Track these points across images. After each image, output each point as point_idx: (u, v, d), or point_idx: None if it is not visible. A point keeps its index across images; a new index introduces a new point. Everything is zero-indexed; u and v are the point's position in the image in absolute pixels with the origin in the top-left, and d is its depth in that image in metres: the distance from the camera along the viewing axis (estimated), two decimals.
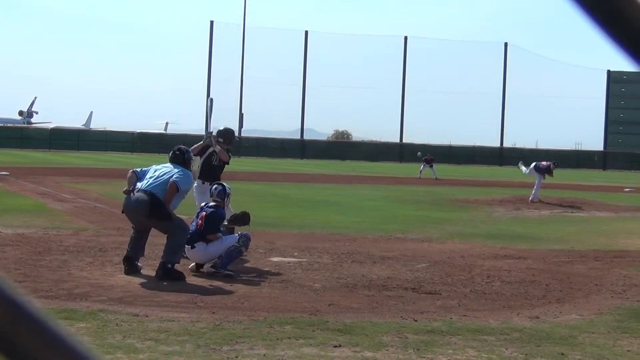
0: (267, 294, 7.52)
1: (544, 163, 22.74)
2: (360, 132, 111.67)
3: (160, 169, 8.64)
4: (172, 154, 8.94)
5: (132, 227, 8.76)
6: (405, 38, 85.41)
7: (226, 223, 9.00)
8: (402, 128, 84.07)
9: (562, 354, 5.57)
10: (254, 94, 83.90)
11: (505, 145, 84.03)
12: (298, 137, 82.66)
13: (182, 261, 8.45)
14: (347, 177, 36.08)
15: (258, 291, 7.66)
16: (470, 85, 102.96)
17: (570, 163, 69.79)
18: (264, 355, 5.27)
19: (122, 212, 8.74)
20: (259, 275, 8.54)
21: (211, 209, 8.79)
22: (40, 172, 29.31)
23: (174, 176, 8.45)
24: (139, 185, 8.47)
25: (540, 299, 7.68)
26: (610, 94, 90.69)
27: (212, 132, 10.64)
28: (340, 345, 5.55)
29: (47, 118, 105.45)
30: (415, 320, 6.45)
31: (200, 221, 8.71)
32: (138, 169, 8.82)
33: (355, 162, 67.54)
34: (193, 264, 8.70)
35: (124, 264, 8.42)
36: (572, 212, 19.42)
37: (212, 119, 11.18)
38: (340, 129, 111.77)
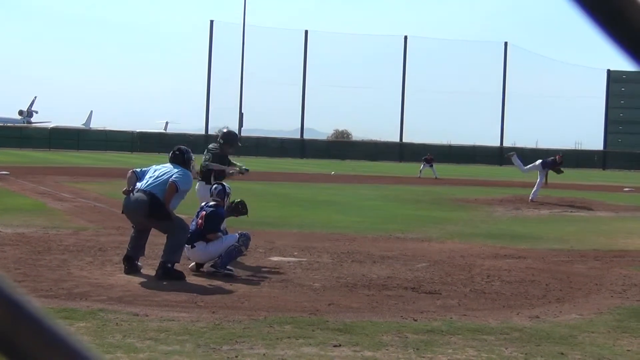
0: (267, 293, 7.53)
1: (550, 158, 22.44)
2: (360, 132, 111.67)
3: (160, 169, 8.64)
4: (172, 154, 8.94)
5: (132, 226, 8.76)
6: (405, 38, 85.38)
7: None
8: (401, 128, 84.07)
9: (562, 353, 5.57)
10: (253, 93, 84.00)
11: (505, 144, 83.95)
12: (298, 136, 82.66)
13: (182, 261, 8.45)
14: (347, 177, 36.08)
15: (258, 291, 7.66)
16: (470, 84, 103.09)
17: (570, 163, 69.54)
18: (264, 354, 5.27)
19: (122, 212, 8.74)
20: (259, 275, 8.54)
21: (211, 209, 8.80)
22: (40, 171, 29.31)
23: (174, 176, 8.45)
24: (138, 185, 8.47)
25: (540, 299, 7.68)
26: (610, 94, 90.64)
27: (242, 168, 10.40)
28: (340, 345, 5.55)
29: (46, 117, 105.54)
30: (415, 320, 6.45)
31: (200, 220, 8.71)
32: (138, 169, 8.82)
33: (355, 162, 67.54)
34: (193, 263, 8.71)
35: (123, 264, 8.42)
36: (571, 212, 19.42)
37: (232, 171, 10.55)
38: (340, 129, 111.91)
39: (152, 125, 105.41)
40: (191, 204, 9.64)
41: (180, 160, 8.81)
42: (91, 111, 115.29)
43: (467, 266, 9.58)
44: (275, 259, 9.68)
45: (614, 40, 0.68)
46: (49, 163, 39.01)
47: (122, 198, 8.68)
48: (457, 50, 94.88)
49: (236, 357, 5.20)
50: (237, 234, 8.79)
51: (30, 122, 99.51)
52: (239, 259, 9.01)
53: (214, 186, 9.23)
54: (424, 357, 5.35)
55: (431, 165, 36.78)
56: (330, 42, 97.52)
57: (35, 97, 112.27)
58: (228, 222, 9.52)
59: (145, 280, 7.99)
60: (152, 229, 8.62)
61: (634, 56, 0.69)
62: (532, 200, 21.15)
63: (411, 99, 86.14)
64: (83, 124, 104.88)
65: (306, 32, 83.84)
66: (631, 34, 0.68)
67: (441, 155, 59.34)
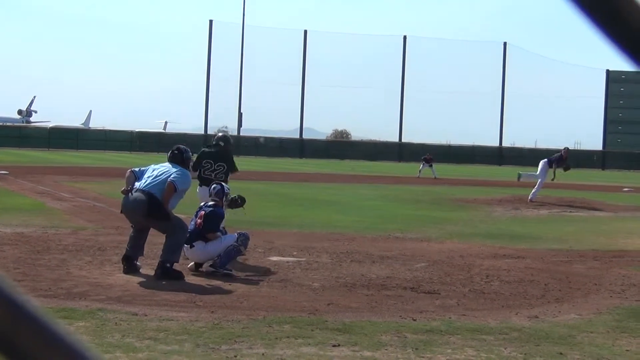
0: (266, 293, 7.53)
1: (555, 155, 22.43)
2: (360, 132, 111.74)
3: (159, 169, 8.64)
4: (170, 153, 8.94)
5: (132, 226, 8.76)
6: (405, 37, 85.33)
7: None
8: (401, 127, 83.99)
9: (561, 353, 5.57)
10: (253, 93, 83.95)
11: (504, 144, 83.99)
12: (297, 136, 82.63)
13: (181, 260, 8.45)
14: (347, 177, 36.08)
15: (257, 290, 7.66)
16: (470, 84, 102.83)
17: (570, 162, 69.71)
18: (263, 354, 5.27)
19: (121, 212, 8.74)
20: (258, 275, 8.54)
21: (210, 208, 8.80)
22: (39, 171, 29.29)
23: (172, 176, 8.44)
24: (137, 185, 8.47)
25: (539, 299, 7.69)
26: (609, 94, 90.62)
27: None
28: (339, 345, 5.55)
29: (46, 117, 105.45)
30: (414, 320, 6.45)
31: (199, 220, 8.72)
32: (136, 169, 8.81)
33: (354, 162, 67.52)
34: (192, 263, 8.71)
35: (123, 263, 8.42)
36: (570, 212, 19.42)
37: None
38: (340, 129, 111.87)
39: (152, 125, 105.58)
40: (190, 203, 9.63)
41: (179, 159, 8.81)
42: (90, 111, 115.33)
43: (466, 266, 9.58)
44: (275, 258, 9.68)
45: (612, 40, 0.69)
46: (48, 162, 38.98)
47: (121, 198, 8.68)
48: (456, 50, 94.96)
49: (235, 356, 5.20)
50: (236, 234, 8.80)
51: (30, 122, 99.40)
52: (238, 259, 9.01)
53: (213, 186, 9.25)
54: (423, 357, 5.36)
55: (430, 165, 36.77)
56: (329, 42, 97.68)
57: (35, 97, 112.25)
58: (227, 222, 9.52)
59: (144, 280, 7.99)
60: (151, 229, 8.62)
61: (632, 56, 0.69)
62: (531, 201, 21.15)
63: (410, 99, 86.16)
64: (82, 124, 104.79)
65: (305, 32, 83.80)
66: (629, 34, 0.68)
67: (440, 155, 59.25)
